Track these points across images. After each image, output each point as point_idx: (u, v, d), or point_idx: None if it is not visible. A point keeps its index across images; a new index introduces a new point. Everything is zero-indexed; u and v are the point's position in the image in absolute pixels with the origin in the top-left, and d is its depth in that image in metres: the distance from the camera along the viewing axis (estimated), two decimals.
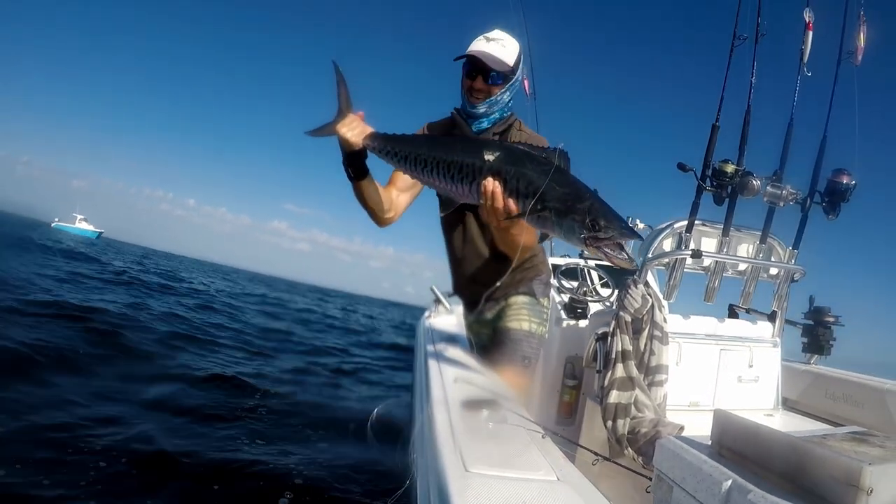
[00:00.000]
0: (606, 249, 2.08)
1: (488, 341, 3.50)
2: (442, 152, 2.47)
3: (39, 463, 4.75)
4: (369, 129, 2.68)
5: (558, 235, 2.22)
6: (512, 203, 2.24)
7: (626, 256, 2.12)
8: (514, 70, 3.04)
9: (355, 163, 2.78)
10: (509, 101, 3.15)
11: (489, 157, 2.28)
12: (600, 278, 6.28)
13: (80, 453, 5.11)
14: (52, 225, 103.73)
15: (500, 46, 2.99)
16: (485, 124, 3.14)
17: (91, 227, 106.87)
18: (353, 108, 2.71)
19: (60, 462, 4.86)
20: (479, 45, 2.98)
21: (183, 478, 5.17)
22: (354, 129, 2.65)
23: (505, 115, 3.18)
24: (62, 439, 5.29)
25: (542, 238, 2.41)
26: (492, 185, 2.25)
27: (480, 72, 2.98)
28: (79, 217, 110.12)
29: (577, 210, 2.08)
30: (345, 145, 2.69)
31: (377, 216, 3.11)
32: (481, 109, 3.05)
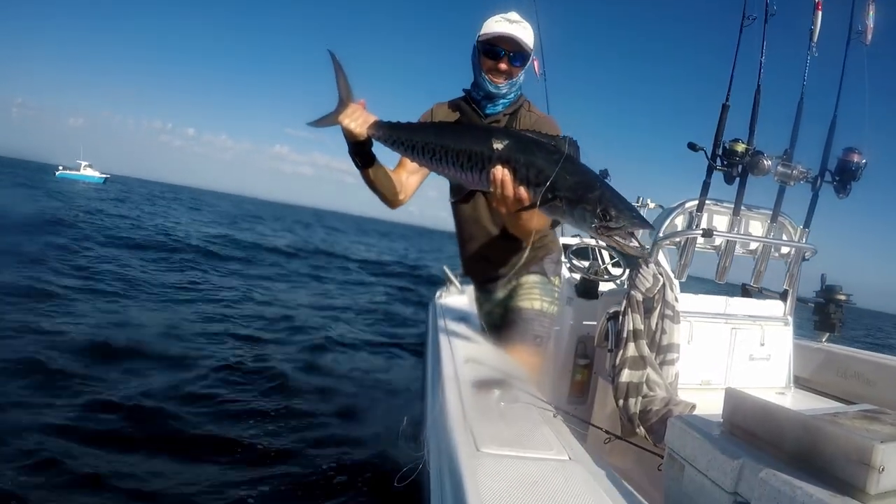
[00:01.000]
0: (617, 238, 2.07)
1: (500, 321, 3.50)
2: (450, 140, 2.43)
3: None
4: (373, 118, 2.63)
5: (569, 223, 2.24)
6: (523, 191, 2.21)
7: (637, 244, 2.12)
8: (530, 53, 3.05)
9: (361, 152, 2.75)
10: (522, 82, 3.15)
11: (498, 145, 2.25)
12: (611, 258, 6.28)
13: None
14: (57, 173, 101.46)
15: (522, 28, 2.99)
16: (500, 107, 3.14)
17: (97, 173, 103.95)
18: (354, 96, 2.66)
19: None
20: (503, 27, 2.96)
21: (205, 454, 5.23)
22: (357, 119, 2.60)
23: (517, 97, 3.18)
24: None
25: (554, 224, 2.41)
26: (501, 173, 2.22)
27: (507, 53, 2.97)
28: (83, 164, 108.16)
29: (589, 199, 2.07)
30: (349, 136, 2.65)
31: (388, 200, 3.10)
32: (504, 90, 3.05)
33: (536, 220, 2.51)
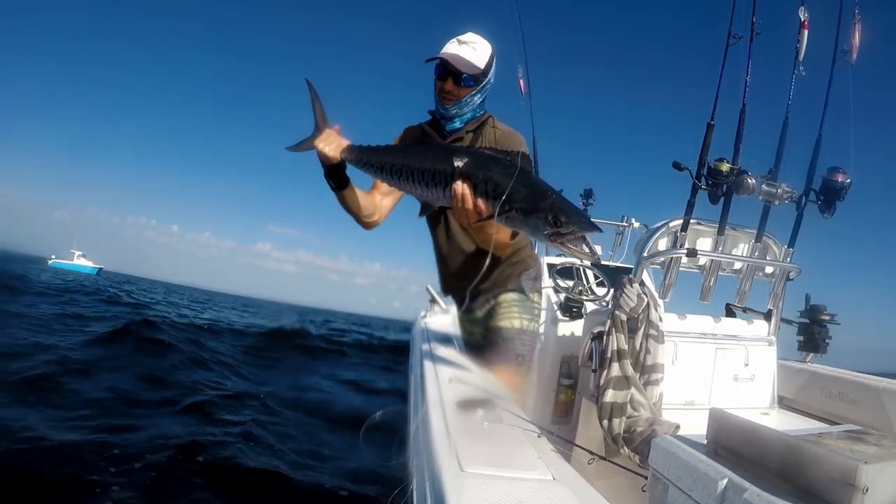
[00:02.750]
0: (569, 245, 2.17)
1: (481, 340, 3.51)
2: (415, 160, 2.56)
3: None
4: (345, 142, 2.77)
5: (525, 233, 2.36)
6: (481, 204, 2.32)
7: (588, 250, 2.22)
8: (485, 72, 3.10)
9: (335, 175, 2.87)
10: (481, 101, 3.21)
11: (458, 163, 2.37)
12: (596, 277, 6.27)
13: None
14: (50, 262, 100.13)
15: (471, 49, 3.05)
16: (457, 124, 3.20)
17: (90, 263, 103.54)
18: (329, 122, 2.82)
19: None
20: (451, 48, 3.04)
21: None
22: (331, 144, 2.74)
23: (478, 114, 3.23)
24: None
25: (513, 236, 2.49)
26: (461, 188, 2.33)
27: (451, 74, 3.04)
28: (77, 253, 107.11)
29: (540, 208, 2.18)
30: (324, 159, 2.78)
31: (362, 221, 3.19)
32: (452, 111, 3.13)
33: (500, 230, 2.61)
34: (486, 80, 3.14)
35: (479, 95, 3.15)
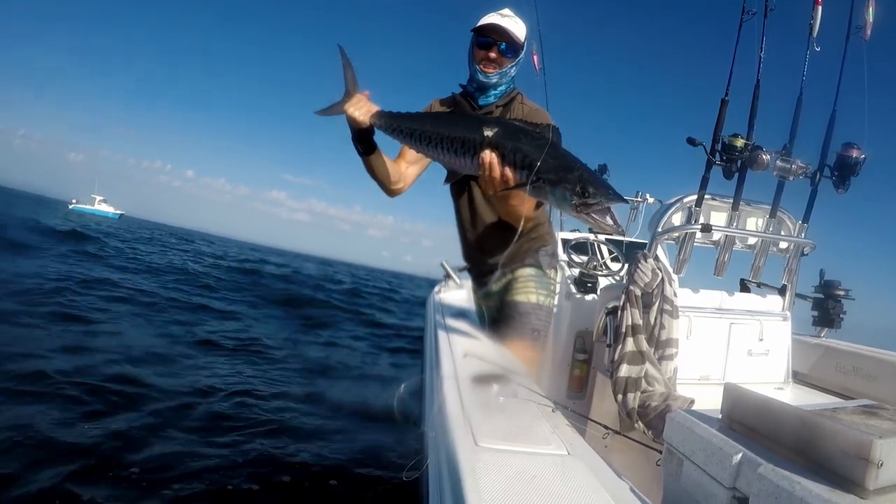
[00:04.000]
0: (595, 215, 2.21)
1: (497, 315, 3.52)
2: (444, 128, 2.59)
3: None
4: (375, 108, 2.79)
5: (552, 203, 2.36)
6: (509, 172, 2.35)
7: (612, 222, 2.24)
8: (523, 46, 3.16)
9: (363, 139, 2.90)
10: (515, 75, 3.26)
11: (488, 132, 2.40)
12: (610, 252, 6.27)
13: None
14: (70, 206, 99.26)
15: (514, 22, 3.11)
16: (491, 98, 3.24)
17: (111, 209, 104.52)
18: (359, 88, 2.82)
19: None
20: (494, 19, 3.09)
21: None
22: (361, 109, 2.76)
23: (509, 88, 3.28)
24: None
25: (538, 205, 2.51)
26: (489, 156, 2.36)
27: (495, 43, 3.08)
28: (98, 198, 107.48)
29: (568, 179, 2.20)
30: (353, 124, 2.80)
31: (387, 187, 3.23)
32: (493, 80, 3.15)
33: (523, 202, 2.67)
34: (522, 54, 3.21)
35: (515, 68, 3.21)
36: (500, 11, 3.14)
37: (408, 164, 3.31)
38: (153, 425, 5.83)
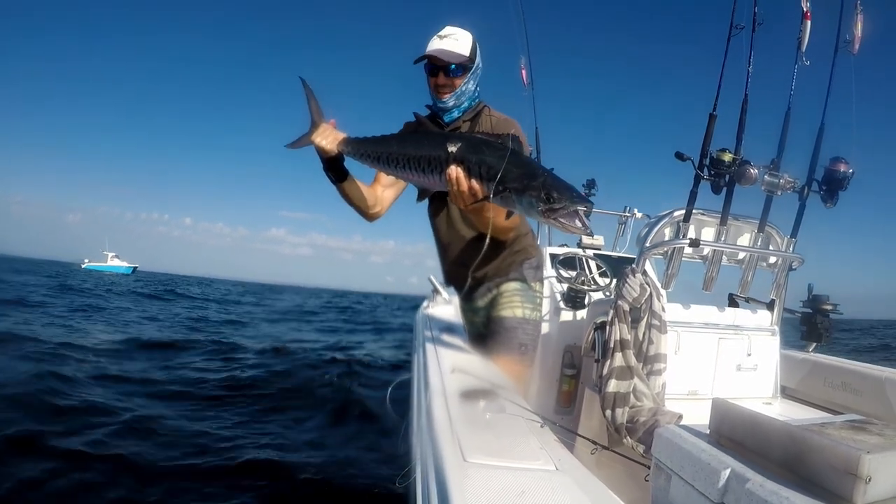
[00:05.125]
0: (562, 220, 2.23)
1: (484, 330, 3.54)
2: (410, 149, 2.66)
3: None
4: (342, 136, 2.87)
5: (520, 211, 2.40)
6: (476, 185, 2.40)
7: (581, 225, 2.27)
8: (471, 58, 3.19)
9: (334, 167, 2.98)
10: (475, 88, 3.31)
11: (452, 148, 2.44)
12: (598, 267, 6.27)
13: None
14: (83, 265, 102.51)
15: (452, 41, 3.14)
16: (455, 114, 3.30)
17: (125, 263, 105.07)
18: (324, 117, 2.91)
19: None
20: (434, 45, 3.14)
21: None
22: (328, 137, 2.85)
23: (473, 103, 3.33)
24: None
25: (508, 215, 2.54)
26: (455, 171, 2.40)
27: (440, 68, 3.15)
28: (110, 254, 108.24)
29: (533, 186, 2.25)
30: (321, 153, 2.89)
31: (364, 213, 3.29)
32: (450, 102, 3.22)
33: (498, 213, 2.68)
34: (475, 65, 3.23)
35: (471, 82, 3.25)
36: (440, 33, 3.18)
37: (384, 188, 3.36)
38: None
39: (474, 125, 3.26)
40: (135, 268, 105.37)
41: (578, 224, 2.25)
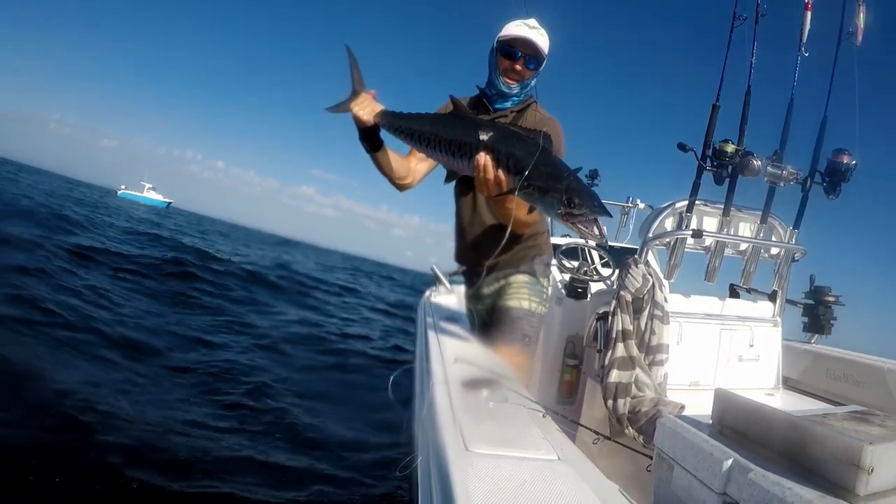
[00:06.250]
0: (580, 225, 2.23)
1: (488, 319, 3.53)
2: (442, 130, 2.65)
3: None
4: (380, 107, 2.87)
5: (540, 210, 2.40)
6: (502, 176, 2.40)
7: (597, 232, 2.26)
8: (545, 58, 3.23)
9: (369, 137, 2.98)
10: (534, 86, 3.34)
11: (483, 136, 2.44)
12: (601, 258, 6.28)
13: None
14: (119, 193, 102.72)
15: (540, 35, 3.17)
16: (509, 103, 3.32)
17: (160, 197, 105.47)
18: (365, 87, 2.92)
19: None
20: (522, 31, 3.14)
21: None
22: (365, 108, 2.84)
23: (526, 96, 3.36)
24: None
25: (530, 211, 2.55)
26: (483, 159, 2.40)
27: (522, 56, 3.16)
28: (147, 186, 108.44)
29: (556, 189, 2.24)
30: (358, 122, 2.88)
31: (394, 182, 3.32)
32: (515, 90, 3.25)
33: (520, 207, 2.68)
34: (543, 66, 3.27)
35: (535, 79, 3.30)
36: (527, 22, 3.19)
37: (417, 161, 3.39)
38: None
39: (520, 117, 3.29)
40: (169, 203, 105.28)
41: (596, 231, 2.26)
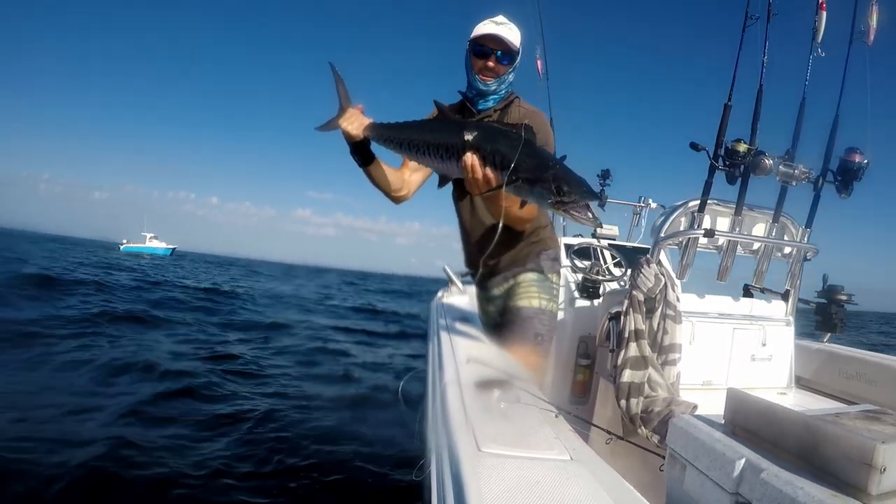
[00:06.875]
0: (572, 212, 2.27)
1: (499, 320, 3.54)
2: (429, 135, 2.71)
3: None
4: (367, 121, 2.93)
5: (532, 202, 2.43)
6: (490, 173, 2.44)
7: (590, 216, 2.31)
8: (518, 52, 3.24)
9: (360, 151, 3.04)
10: (513, 80, 3.35)
11: (468, 136, 2.48)
12: (613, 258, 6.27)
13: None
14: (122, 247, 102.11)
15: (508, 29, 3.19)
16: (490, 102, 3.33)
17: (163, 245, 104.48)
18: (352, 102, 2.98)
19: None
20: (490, 28, 3.17)
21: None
22: (354, 122, 2.90)
23: (507, 93, 3.37)
24: None
25: (522, 205, 2.57)
26: (470, 158, 2.44)
27: (493, 52, 3.17)
28: (149, 235, 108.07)
29: (544, 178, 2.28)
30: (347, 137, 2.94)
31: (390, 195, 3.33)
32: (492, 87, 3.25)
33: (514, 203, 2.67)
34: (518, 59, 3.28)
35: (512, 74, 3.30)
36: (494, 19, 3.23)
37: (411, 172, 3.42)
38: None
39: (504, 115, 3.31)
40: (173, 249, 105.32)
41: (588, 216, 2.29)
